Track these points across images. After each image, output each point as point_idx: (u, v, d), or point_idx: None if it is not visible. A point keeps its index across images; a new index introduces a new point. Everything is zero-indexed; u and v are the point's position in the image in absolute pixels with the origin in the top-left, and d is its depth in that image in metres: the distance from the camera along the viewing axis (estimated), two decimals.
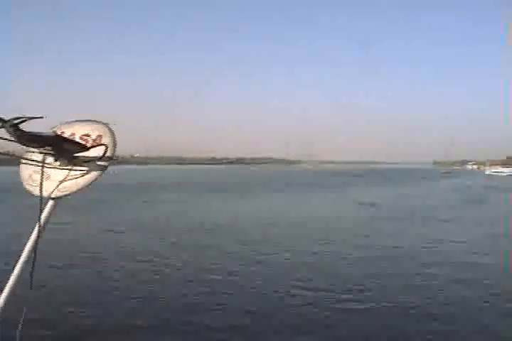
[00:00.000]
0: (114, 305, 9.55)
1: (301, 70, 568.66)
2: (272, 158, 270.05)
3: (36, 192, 1.76)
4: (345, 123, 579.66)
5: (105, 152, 1.76)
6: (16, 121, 1.61)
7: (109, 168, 1.79)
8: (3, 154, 1.77)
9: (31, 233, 1.74)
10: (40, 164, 1.79)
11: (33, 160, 1.81)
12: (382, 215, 26.04)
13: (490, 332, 8.45)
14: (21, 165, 1.91)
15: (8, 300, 1.68)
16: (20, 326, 1.77)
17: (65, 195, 1.77)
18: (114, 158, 1.79)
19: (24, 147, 1.77)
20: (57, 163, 1.80)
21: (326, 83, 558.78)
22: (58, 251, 13.39)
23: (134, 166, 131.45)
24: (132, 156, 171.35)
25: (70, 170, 1.78)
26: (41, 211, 1.73)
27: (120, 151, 1.86)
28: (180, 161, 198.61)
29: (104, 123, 1.86)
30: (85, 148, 1.77)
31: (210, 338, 8.08)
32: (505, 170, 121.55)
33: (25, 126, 1.64)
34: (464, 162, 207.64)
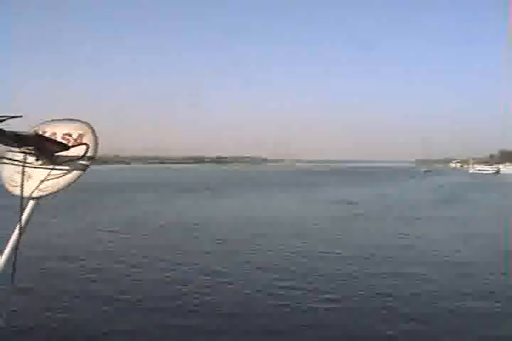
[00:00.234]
0: (86, 308, 9.36)
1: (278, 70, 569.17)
2: (249, 158, 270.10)
3: (17, 192, 1.74)
4: (325, 122, 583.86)
5: (86, 151, 1.75)
6: None
7: (91, 167, 1.78)
8: None
9: (12, 233, 1.72)
10: (21, 164, 1.77)
11: (14, 160, 1.79)
12: (357, 213, 26.34)
13: (459, 332, 8.54)
14: (2, 165, 1.88)
15: None
16: None
17: (47, 195, 1.75)
18: (96, 157, 1.78)
19: (5, 146, 1.76)
20: (39, 162, 1.78)
21: (302, 82, 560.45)
22: (32, 253, 13.10)
23: (116, 165, 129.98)
24: (115, 156, 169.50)
25: (52, 169, 1.76)
26: (22, 211, 1.72)
27: (102, 150, 1.86)
28: (162, 161, 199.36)
29: (85, 122, 1.84)
30: (66, 148, 1.76)
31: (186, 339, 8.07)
32: (489, 168, 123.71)
33: (5, 126, 1.63)
34: (447, 160, 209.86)
